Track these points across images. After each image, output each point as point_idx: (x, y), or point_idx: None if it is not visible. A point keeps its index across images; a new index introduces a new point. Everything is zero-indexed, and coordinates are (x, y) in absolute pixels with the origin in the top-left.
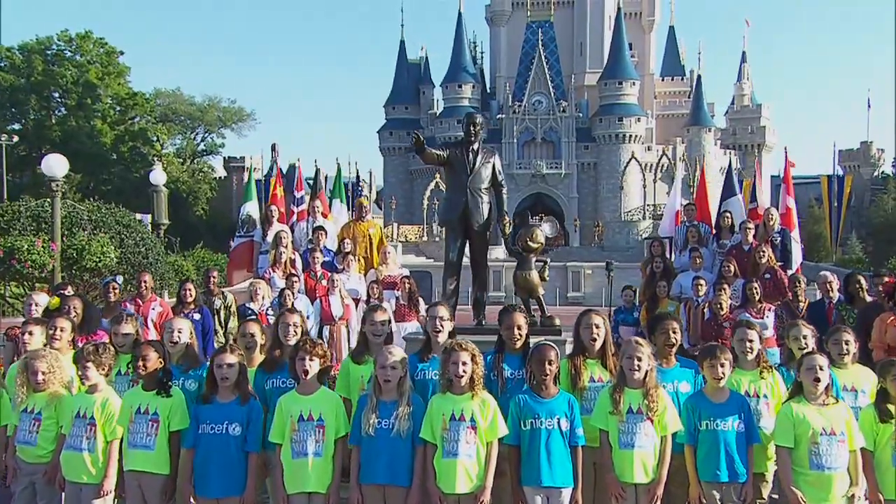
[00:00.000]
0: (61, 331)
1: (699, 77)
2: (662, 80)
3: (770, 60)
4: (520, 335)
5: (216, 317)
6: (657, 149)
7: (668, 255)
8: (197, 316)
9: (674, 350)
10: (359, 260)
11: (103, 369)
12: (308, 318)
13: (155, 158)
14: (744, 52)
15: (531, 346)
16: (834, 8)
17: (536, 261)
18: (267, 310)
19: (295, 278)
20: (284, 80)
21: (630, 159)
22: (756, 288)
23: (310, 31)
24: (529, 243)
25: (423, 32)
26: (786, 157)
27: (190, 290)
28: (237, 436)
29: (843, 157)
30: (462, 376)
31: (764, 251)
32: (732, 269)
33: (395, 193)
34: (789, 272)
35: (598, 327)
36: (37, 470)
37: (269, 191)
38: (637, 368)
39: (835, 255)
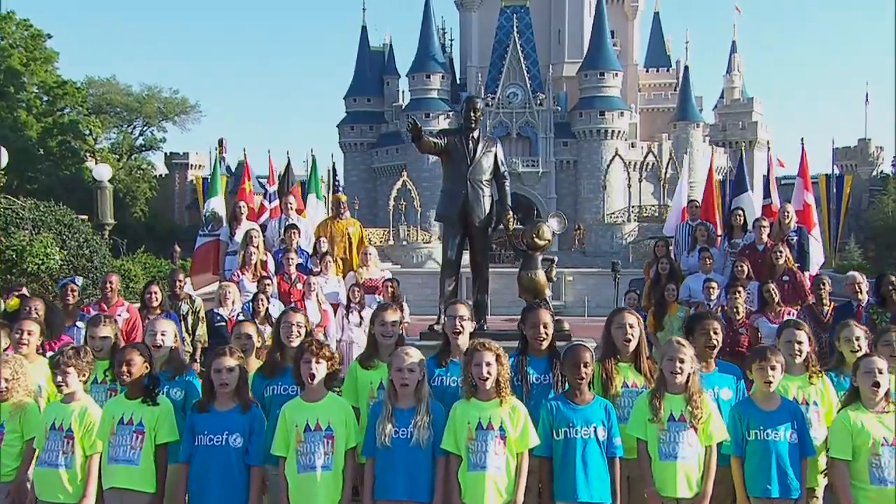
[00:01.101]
0: (28, 335)
1: (686, 68)
2: (647, 71)
3: (762, 51)
4: (546, 335)
5: (183, 323)
6: (642, 146)
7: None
8: None
9: (715, 352)
10: (336, 261)
11: (84, 375)
12: None
13: (87, 154)
14: (734, 42)
15: (557, 348)
16: None
17: (543, 259)
18: (238, 315)
19: (268, 281)
20: (232, 68)
21: (614, 156)
22: (773, 290)
23: (261, 14)
24: (535, 240)
25: (387, 17)
26: (802, 150)
27: (156, 293)
28: (238, 448)
29: (838, 156)
30: (487, 379)
31: (781, 251)
32: (746, 270)
33: (356, 193)
34: (807, 274)
35: (632, 327)
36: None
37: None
38: (679, 371)
39: (833, 260)
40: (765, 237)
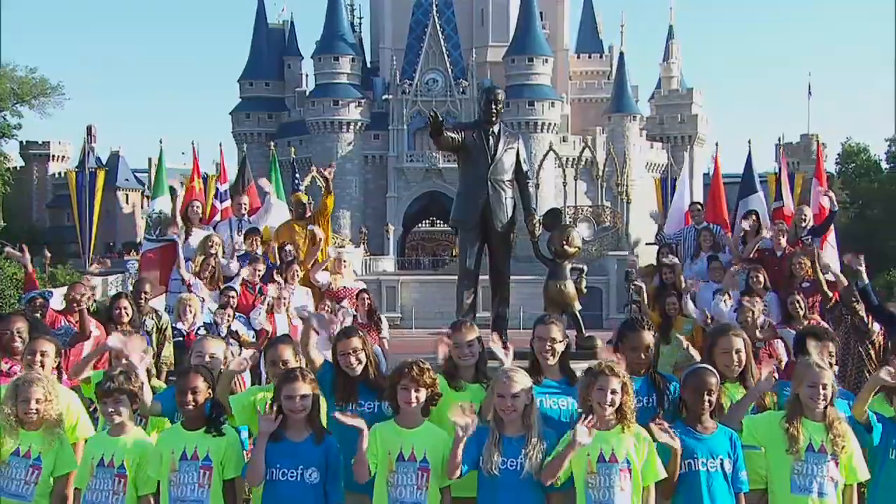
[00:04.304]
0: (42, 356)
1: (622, 54)
2: (578, 57)
3: (701, 37)
4: (646, 357)
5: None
6: (575, 140)
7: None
8: None
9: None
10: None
11: (136, 404)
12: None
13: None
14: (671, 27)
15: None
16: None
17: (572, 269)
18: (198, 330)
19: (232, 293)
20: (104, 43)
21: (547, 152)
22: (799, 302)
23: None
24: (565, 247)
25: None
26: (818, 147)
27: (125, 308)
28: (316, 483)
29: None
30: (609, 407)
31: (801, 261)
32: (763, 279)
33: None
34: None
35: (738, 352)
36: None
37: (93, 186)
38: (824, 399)
39: None
40: (783, 243)
